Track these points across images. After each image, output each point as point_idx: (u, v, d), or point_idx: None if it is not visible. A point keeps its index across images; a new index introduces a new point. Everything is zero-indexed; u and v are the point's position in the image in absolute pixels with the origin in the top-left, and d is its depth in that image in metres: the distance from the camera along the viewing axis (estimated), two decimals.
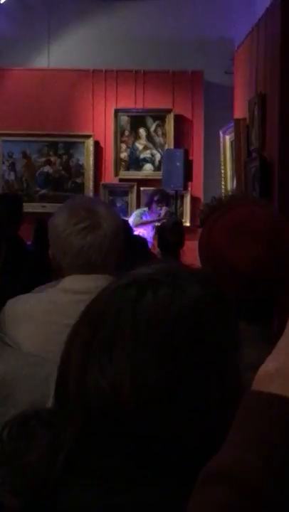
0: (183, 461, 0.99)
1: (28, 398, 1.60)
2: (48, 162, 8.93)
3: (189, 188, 8.62)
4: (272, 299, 1.72)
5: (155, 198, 8.11)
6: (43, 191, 8.92)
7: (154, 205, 8.08)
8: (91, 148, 8.87)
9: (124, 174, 8.93)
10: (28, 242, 5.63)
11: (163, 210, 8.00)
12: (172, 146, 8.77)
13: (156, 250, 6.34)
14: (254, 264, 1.69)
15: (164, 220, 7.40)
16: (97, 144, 8.91)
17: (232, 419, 0.84)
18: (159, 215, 8.00)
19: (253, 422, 0.81)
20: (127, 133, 8.94)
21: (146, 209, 8.18)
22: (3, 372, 1.68)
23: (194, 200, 8.76)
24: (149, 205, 8.19)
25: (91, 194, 8.53)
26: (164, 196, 8.16)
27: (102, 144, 8.94)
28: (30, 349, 1.96)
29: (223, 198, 1.90)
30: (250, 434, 0.80)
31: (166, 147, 8.82)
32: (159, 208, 8.03)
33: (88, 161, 8.90)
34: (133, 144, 8.96)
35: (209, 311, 1.11)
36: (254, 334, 1.58)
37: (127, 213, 8.57)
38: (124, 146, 8.96)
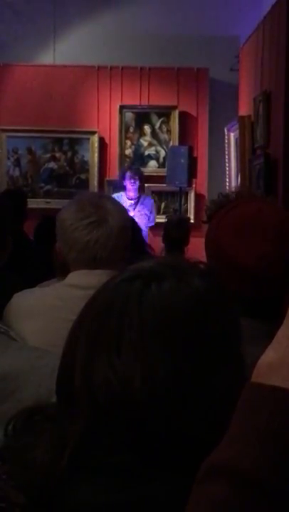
0: (189, 456, 0.98)
1: (33, 393, 1.60)
2: (53, 158, 8.92)
3: (194, 185, 8.61)
4: (278, 296, 1.72)
5: (128, 174, 8.04)
6: (48, 187, 8.91)
7: (127, 182, 8.02)
8: (96, 144, 8.86)
9: None
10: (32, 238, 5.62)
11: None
12: (177, 143, 8.76)
13: (161, 246, 6.34)
14: (260, 262, 1.69)
15: (169, 215, 7.38)
16: (101, 140, 8.90)
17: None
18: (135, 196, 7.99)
19: (255, 415, 0.80)
20: (131, 129, 8.93)
21: (122, 193, 8.04)
22: (9, 366, 1.67)
23: (199, 197, 8.75)
24: (122, 183, 8.09)
25: (96, 190, 8.52)
26: (136, 170, 8.13)
27: (106, 141, 8.94)
28: (36, 344, 1.95)
29: (230, 194, 1.89)
30: (251, 429, 0.79)
31: (170, 144, 8.81)
32: (131, 182, 7.96)
33: (93, 157, 8.89)
34: (138, 140, 8.95)
35: (213, 301, 1.11)
36: (259, 332, 1.57)
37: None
38: (128, 142, 8.95)
